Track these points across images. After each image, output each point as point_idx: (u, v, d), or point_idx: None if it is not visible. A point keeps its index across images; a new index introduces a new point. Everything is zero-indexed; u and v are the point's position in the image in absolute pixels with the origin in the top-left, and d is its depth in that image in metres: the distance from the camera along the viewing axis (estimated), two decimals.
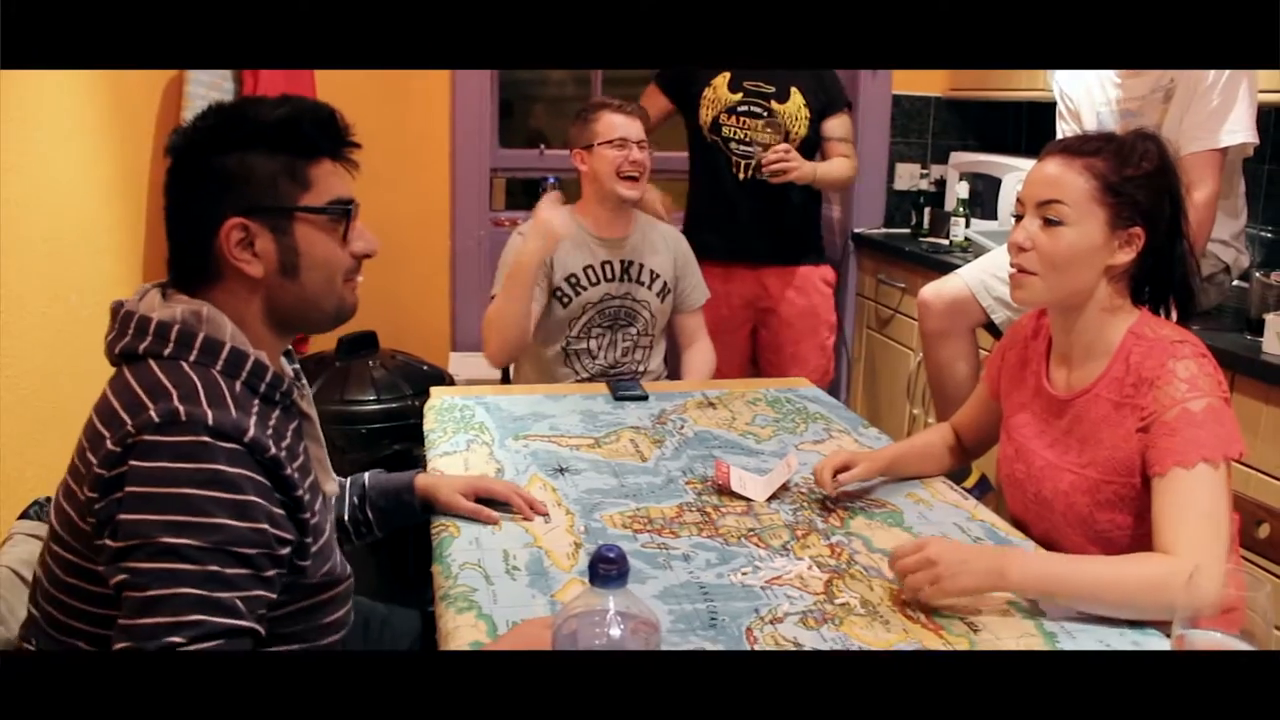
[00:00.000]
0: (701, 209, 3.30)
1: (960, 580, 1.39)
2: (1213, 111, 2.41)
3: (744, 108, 3.18)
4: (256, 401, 1.23)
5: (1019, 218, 1.63)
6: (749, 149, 3.18)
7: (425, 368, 3.10)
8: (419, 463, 2.02)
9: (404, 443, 2.83)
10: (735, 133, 3.18)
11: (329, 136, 1.29)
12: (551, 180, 3.76)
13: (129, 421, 1.14)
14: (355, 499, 1.70)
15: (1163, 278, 1.63)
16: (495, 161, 3.75)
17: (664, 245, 2.78)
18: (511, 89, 3.88)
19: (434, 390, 2.38)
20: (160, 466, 1.12)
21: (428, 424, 2.16)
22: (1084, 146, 1.59)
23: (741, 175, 3.19)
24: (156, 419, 1.13)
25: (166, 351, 1.20)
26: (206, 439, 1.13)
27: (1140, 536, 1.57)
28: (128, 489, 1.11)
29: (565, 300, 2.66)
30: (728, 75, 3.18)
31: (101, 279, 2.36)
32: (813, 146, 3.25)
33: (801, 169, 3.08)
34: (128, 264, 2.54)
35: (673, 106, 3.28)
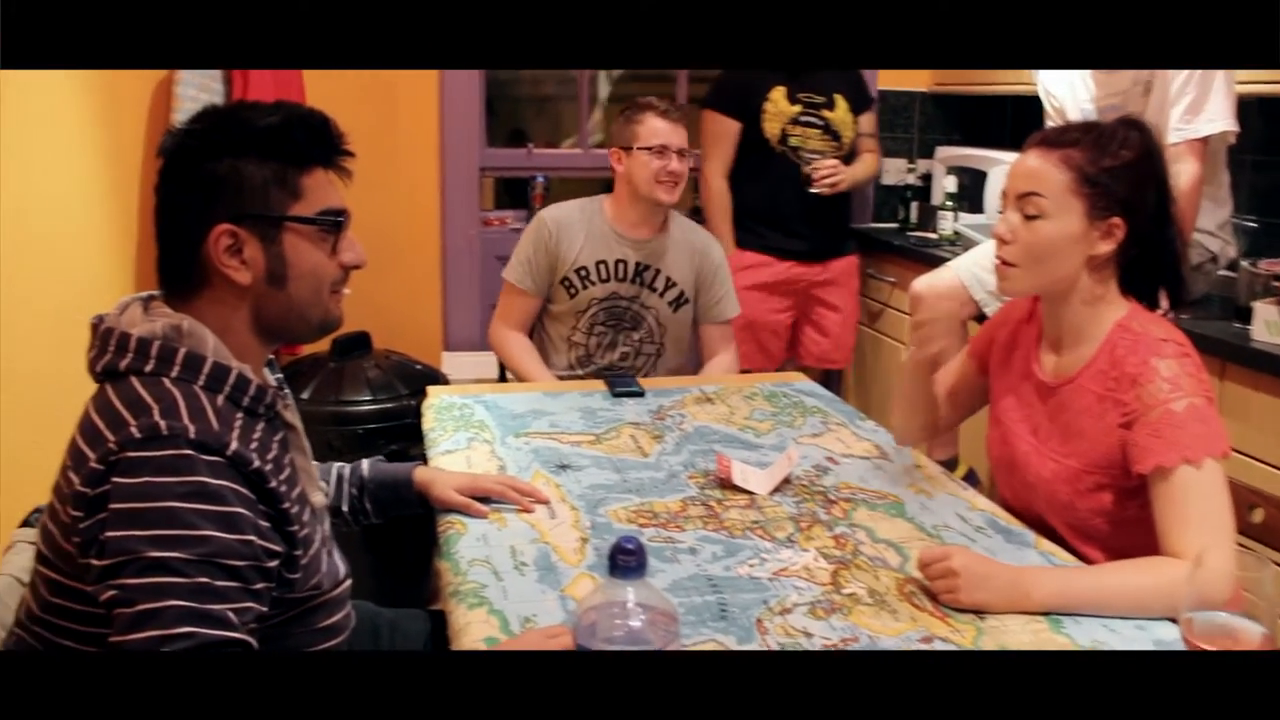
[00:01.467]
0: (760, 209, 3.42)
1: (977, 595, 1.40)
2: (1191, 102, 2.44)
3: (804, 118, 3.37)
4: (240, 415, 1.22)
5: (1003, 210, 1.65)
6: (813, 156, 3.38)
7: (419, 367, 3.10)
8: (417, 462, 2.02)
9: (400, 442, 2.84)
10: (803, 141, 3.37)
11: (322, 145, 1.29)
12: (540, 179, 3.78)
13: (110, 438, 1.13)
14: (354, 489, 1.70)
15: (1151, 266, 1.64)
16: (484, 161, 3.75)
17: (690, 255, 2.71)
18: (492, 87, 3.87)
19: (431, 389, 2.38)
20: (143, 481, 1.11)
21: (427, 423, 2.16)
22: (1062, 138, 1.60)
23: (806, 171, 3.37)
24: (138, 434, 1.12)
25: (148, 368, 1.19)
26: (189, 452, 1.13)
27: (1120, 525, 1.60)
28: (111, 506, 1.11)
29: (572, 291, 2.65)
30: (783, 88, 3.35)
31: (95, 280, 2.35)
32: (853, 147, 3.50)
33: (847, 178, 3.37)
34: (121, 265, 2.54)
35: (740, 125, 3.38)
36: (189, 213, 1.24)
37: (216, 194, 1.23)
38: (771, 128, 3.36)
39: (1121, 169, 1.57)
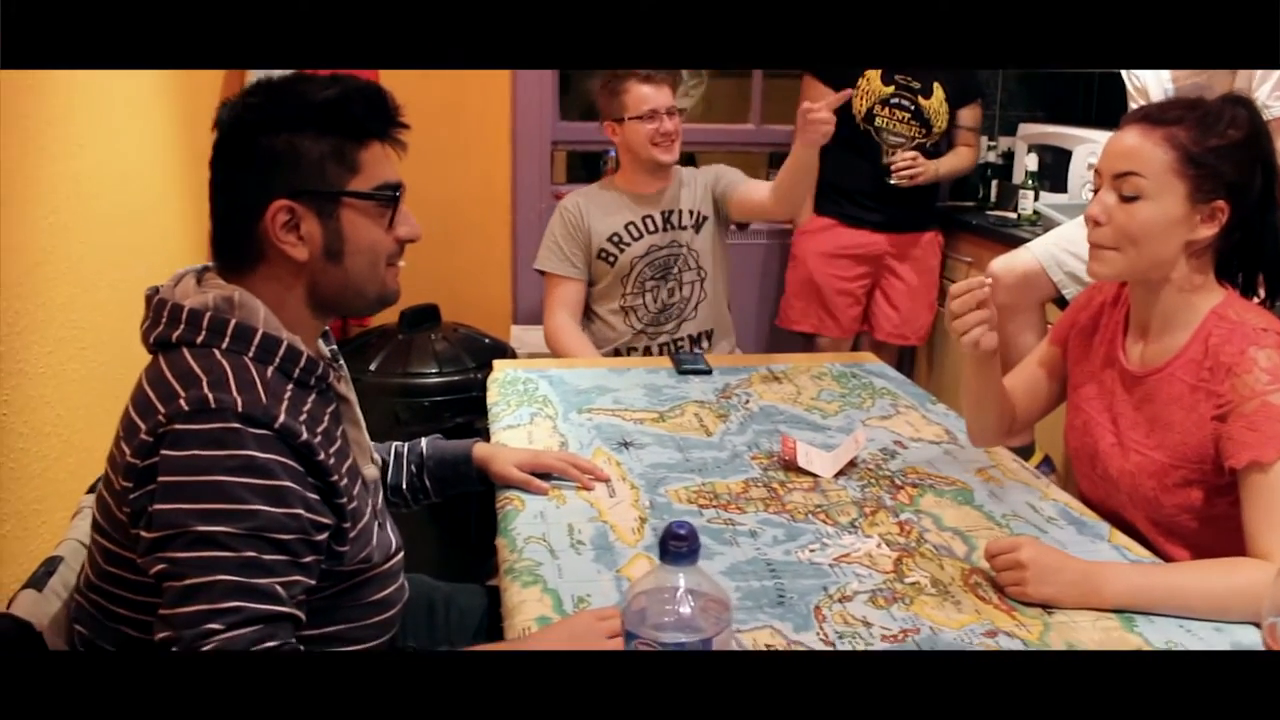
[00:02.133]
0: (840, 182, 3.38)
1: (1045, 590, 1.35)
2: None
3: (895, 100, 3.32)
4: (290, 386, 1.22)
5: (1097, 189, 1.57)
6: (898, 139, 3.33)
7: (487, 340, 3.11)
8: (480, 436, 2.02)
9: (466, 415, 2.84)
10: (887, 123, 3.33)
11: (379, 119, 1.27)
12: (612, 153, 3.75)
13: (161, 410, 1.13)
14: (413, 466, 1.70)
15: (1252, 252, 1.56)
16: (556, 135, 3.72)
17: (699, 181, 2.81)
18: None
19: (496, 363, 2.38)
20: (191, 454, 1.11)
21: (491, 397, 2.16)
22: (1165, 115, 1.52)
23: (886, 161, 3.33)
24: (186, 407, 1.13)
25: (199, 339, 1.19)
26: (236, 425, 1.13)
27: (1208, 523, 1.52)
28: (160, 479, 1.11)
29: (610, 260, 2.72)
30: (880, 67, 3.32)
31: (168, 252, 2.38)
32: (946, 136, 3.44)
33: (926, 172, 3.30)
34: (192, 238, 2.56)
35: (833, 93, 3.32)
36: (245, 188, 1.24)
37: (273, 169, 1.22)
38: (859, 104, 3.32)
39: (1228, 149, 1.48)
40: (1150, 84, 2.63)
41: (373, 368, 2.87)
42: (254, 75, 2.66)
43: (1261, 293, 1.59)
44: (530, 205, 3.67)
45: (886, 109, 3.31)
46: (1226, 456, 1.45)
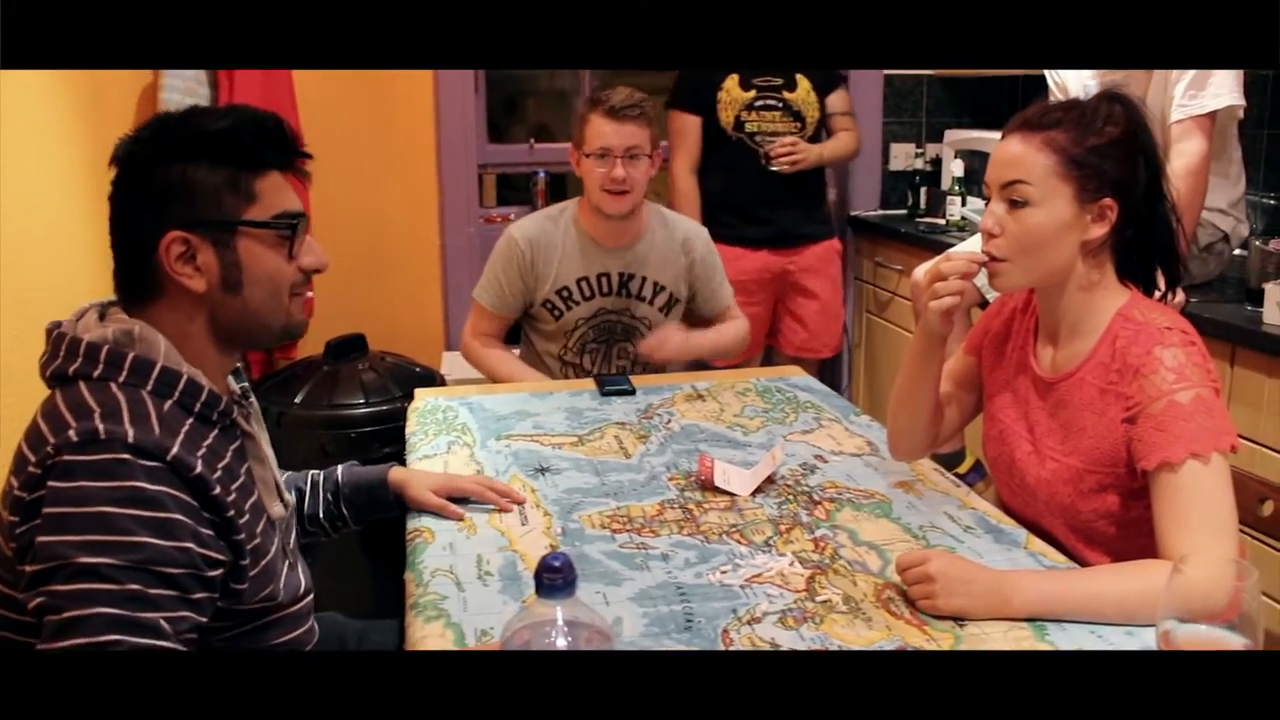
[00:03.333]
0: (724, 199, 3.36)
1: (956, 601, 1.33)
2: (1195, 76, 2.35)
3: (760, 102, 3.32)
4: (190, 421, 1.19)
5: (988, 201, 1.56)
6: (771, 139, 3.32)
7: (416, 369, 3.07)
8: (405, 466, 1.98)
9: (394, 445, 2.78)
10: (758, 126, 3.32)
11: (276, 147, 1.26)
12: (542, 174, 3.73)
13: (50, 441, 1.11)
14: (329, 494, 1.67)
15: (1146, 246, 1.55)
16: (484, 158, 3.70)
17: (675, 251, 2.55)
18: (512, 84, 3.82)
19: (417, 392, 2.34)
20: (77, 486, 1.08)
21: (409, 426, 2.12)
22: (1043, 119, 1.51)
23: (764, 165, 3.32)
24: (75, 438, 1.10)
25: (96, 373, 1.17)
26: (125, 456, 1.10)
27: (1125, 528, 1.52)
28: (45, 510, 1.08)
29: (556, 314, 2.52)
30: (736, 76, 3.31)
31: (70, 279, 2.32)
32: (823, 126, 3.43)
33: (808, 155, 3.29)
34: (98, 264, 2.50)
35: (700, 118, 3.35)
36: (141, 220, 1.22)
37: (168, 200, 1.21)
38: (726, 116, 3.31)
39: (1108, 146, 1.48)
40: (1070, 83, 2.65)
41: (298, 400, 2.82)
42: (166, 95, 2.64)
43: (1162, 284, 1.59)
44: (458, 229, 3.64)
45: (754, 113, 3.31)
46: (1137, 459, 1.44)
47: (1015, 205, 1.50)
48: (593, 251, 2.50)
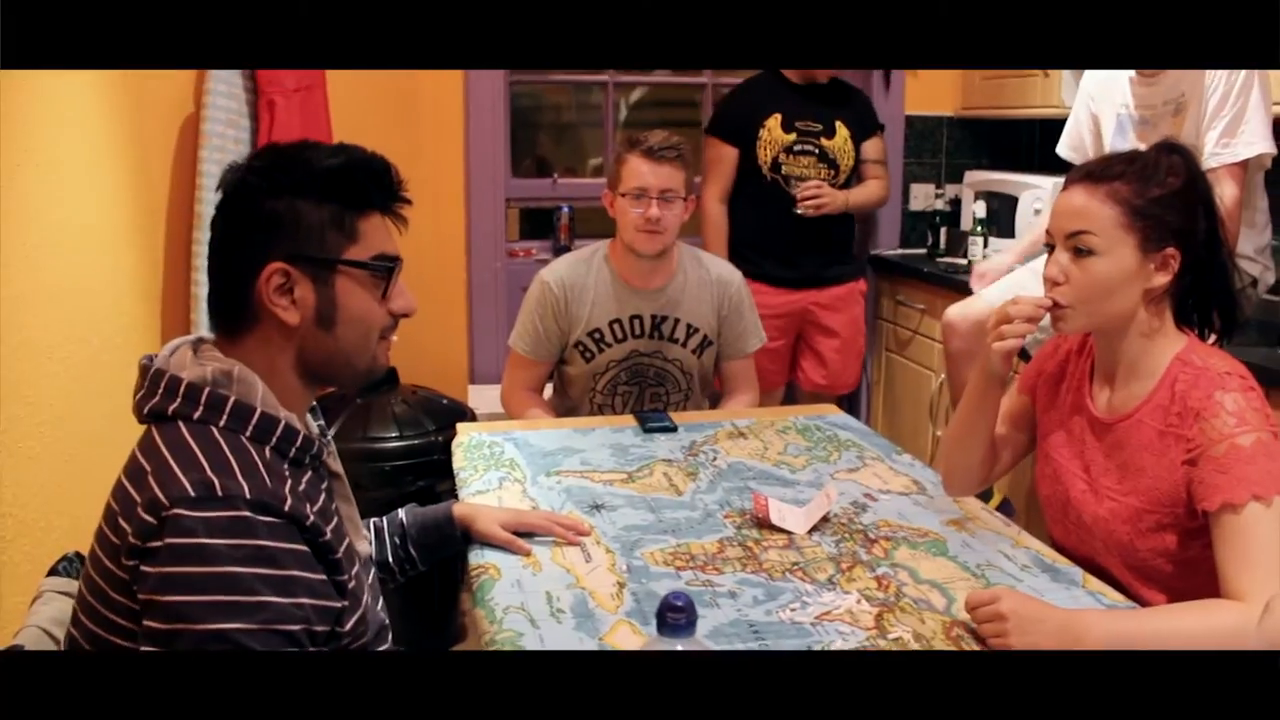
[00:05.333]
0: (756, 238, 3.40)
1: (1027, 639, 1.35)
2: (1228, 124, 2.41)
3: (799, 146, 3.35)
4: (287, 466, 1.20)
5: (1051, 248, 1.60)
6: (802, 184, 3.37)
7: (445, 402, 3.08)
8: (443, 499, 2.00)
9: (428, 479, 2.81)
10: (794, 170, 3.35)
11: (381, 189, 1.27)
12: (565, 209, 3.76)
13: (159, 491, 1.10)
14: (396, 538, 1.68)
15: (1204, 291, 1.60)
16: (509, 191, 3.73)
17: (710, 293, 2.56)
18: (515, 116, 3.85)
19: (460, 426, 2.35)
20: (199, 544, 1.07)
21: (457, 462, 2.13)
22: (1106, 171, 1.56)
23: (792, 194, 3.35)
24: (192, 492, 1.09)
25: (196, 415, 1.17)
26: (246, 513, 1.10)
27: (1182, 566, 1.55)
28: (164, 568, 1.07)
29: (588, 356, 2.54)
30: (779, 116, 3.34)
31: (122, 321, 2.34)
32: (855, 173, 3.47)
33: (834, 200, 3.32)
34: (147, 307, 2.53)
35: (738, 151, 3.38)
36: (244, 249, 1.23)
37: (273, 231, 1.22)
38: (764, 155, 3.35)
39: (1170, 197, 1.53)
40: (1104, 107, 2.71)
41: (332, 433, 2.83)
42: (208, 127, 2.67)
43: (1217, 330, 1.63)
44: (485, 264, 3.67)
45: (791, 156, 3.35)
46: (1198, 500, 1.47)
47: (1080, 254, 1.54)
48: (625, 294, 2.52)
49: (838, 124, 3.37)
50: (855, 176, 3.46)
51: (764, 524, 1.77)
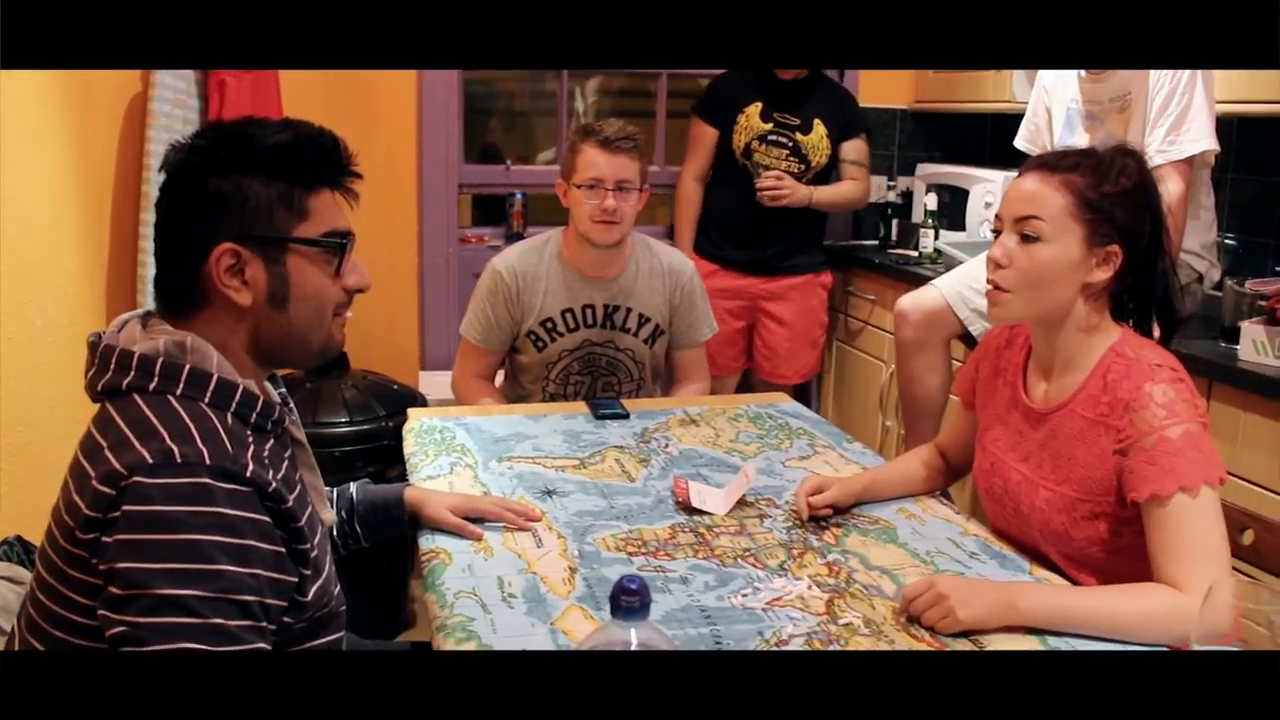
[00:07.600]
0: (721, 220, 3.50)
1: (972, 609, 1.38)
2: (1174, 122, 2.44)
3: (773, 137, 3.40)
4: (249, 433, 1.19)
5: (997, 233, 1.62)
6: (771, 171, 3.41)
7: (396, 387, 3.06)
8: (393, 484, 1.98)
9: (378, 464, 2.79)
10: (764, 159, 3.40)
11: (330, 165, 1.25)
12: (518, 196, 3.74)
13: (115, 461, 1.08)
14: (343, 512, 1.67)
15: (1144, 295, 1.63)
16: (462, 178, 3.71)
17: (662, 282, 2.56)
18: (468, 102, 3.80)
19: (411, 412, 2.33)
20: (157, 510, 1.06)
21: (408, 447, 2.12)
22: (1062, 162, 1.58)
23: (755, 183, 3.40)
24: (150, 460, 1.08)
25: (151, 386, 1.15)
26: (206, 480, 1.09)
27: (1116, 553, 1.58)
28: (122, 535, 1.06)
29: (540, 345, 2.53)
30: (759, 105, 3.39)
31: (66, 303, 2.30)
32: (832, 171, 3.52)
33: (795, 193, 3.36)
34: (93, 285, 2.48)
35: (717, 132, 3.46)
36: (191, 230, 1.20)
37: (220, 211, 1.19)
38: (738, 140, 3.41)
39: (1121, 195, 1.55)
40: (1055, 99, 2.74)
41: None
42: (156, 106, 2.62)
43: (1156, 334, 1.66)
44: (437, 250, 3.64)
45: (764, 144, 3.40)
46: (1128, 490, 1.50)
47: (1027, 240, 1.56)
48: (577, 283, 2.51)
49: (816, 121, 3.41)
50: (835, 175, 3.50)
51: (685, 507, 1.77)
